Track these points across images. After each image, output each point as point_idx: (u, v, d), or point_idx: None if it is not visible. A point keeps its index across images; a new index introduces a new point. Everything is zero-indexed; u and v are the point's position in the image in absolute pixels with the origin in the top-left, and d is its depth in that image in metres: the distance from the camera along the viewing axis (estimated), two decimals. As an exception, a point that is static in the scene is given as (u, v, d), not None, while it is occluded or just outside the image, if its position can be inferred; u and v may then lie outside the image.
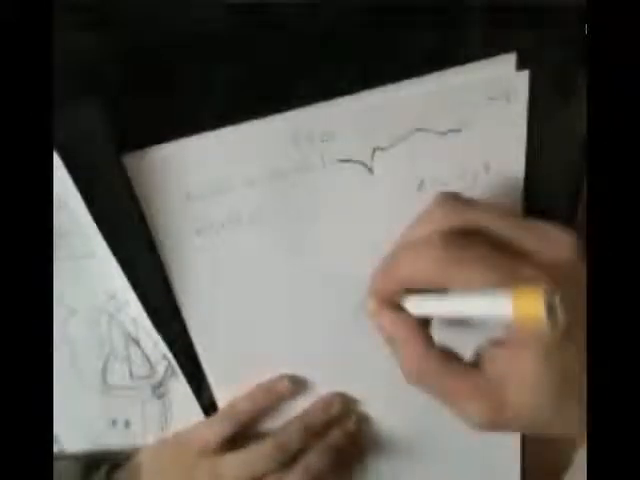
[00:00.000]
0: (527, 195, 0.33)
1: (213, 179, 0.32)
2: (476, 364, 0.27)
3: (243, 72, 0.30)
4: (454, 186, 0.33)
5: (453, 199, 0.28)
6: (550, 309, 0.23)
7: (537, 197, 0.34)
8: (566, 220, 0.34)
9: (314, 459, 0.37)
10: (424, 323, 0.29)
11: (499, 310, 0.24)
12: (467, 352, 0.28)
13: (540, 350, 0.25)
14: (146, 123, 0.29)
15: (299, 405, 0.38)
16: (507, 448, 0.41)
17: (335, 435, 0.38)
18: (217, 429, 0.36)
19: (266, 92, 0.30)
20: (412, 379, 0.28)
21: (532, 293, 0.23)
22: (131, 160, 0.30)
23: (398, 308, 0.28)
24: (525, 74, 0.30)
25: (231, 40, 0.29)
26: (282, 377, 0.37)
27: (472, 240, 0.26)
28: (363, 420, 0.39)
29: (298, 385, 0.37)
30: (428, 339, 0.28)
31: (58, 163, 0.29)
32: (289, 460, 0.36)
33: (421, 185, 0.33)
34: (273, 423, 0.38)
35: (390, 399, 0.38)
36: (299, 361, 0.37)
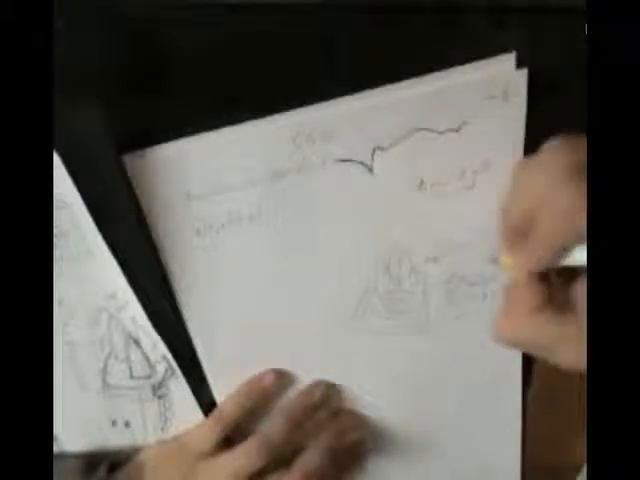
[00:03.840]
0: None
1: (213, 179, 0.32)
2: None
3: (243, 72, 0.30)
4: (454, 186, 0.33)
5: (566, 141, 0.27)
6: None
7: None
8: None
9: (311, 458, 0.36)
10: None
11: None
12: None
13: None
14: (146, 123, 0.29)
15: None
16: (507, 448, 0.41)
17: (332, 434, 0.38)
18: (208, 434, 0.36)
19: (266, 92, 0.30)
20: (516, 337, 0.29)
21: None
22: (131, 160, 0.30)
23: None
24: (524, 73, 0.30)
25: (231, 40, 0.29)
26: (267, 372, 0.36)
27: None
28: (361, 419, 0.39)
29: (284, 379, 0.37)
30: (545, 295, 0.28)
31: (58, 163, 0.29)
32: (284, 456, 0.36)
33: (421, 185, 0.33)
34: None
35: (390, 399, 0.38)
36: (299, 361, 0.37)
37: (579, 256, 0.27)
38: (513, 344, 0.30)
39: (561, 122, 0.32)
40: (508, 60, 0.30)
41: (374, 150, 0.32)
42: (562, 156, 0.27)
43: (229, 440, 0.37)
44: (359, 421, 0.39)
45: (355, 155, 0.32)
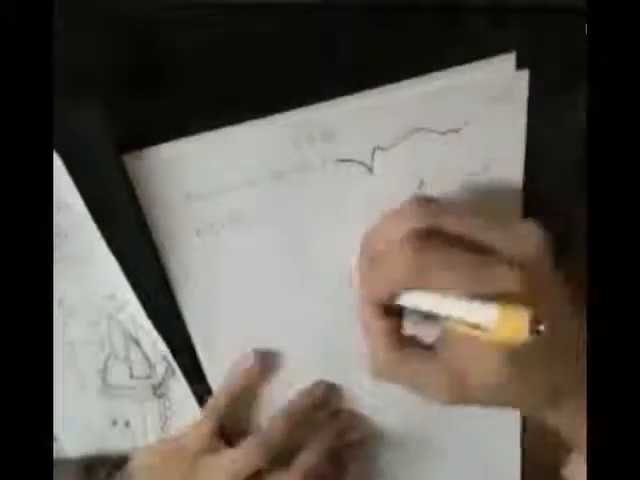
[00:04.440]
0: (527, 195, 0.33)
1: (213, 179, 0.32)
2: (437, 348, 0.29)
3: (243, 72, 0.30)
4: (454, 186, 0.33)
5: (422, 201, 0.28)
6: (533, 329, 0.24)
7: (537, 197, 0.34)
8: (566, 220, 0.34)
9: (311, 458, 0.36)
10: (397, 313, 0.30)
11: (484, 319, 0.25)
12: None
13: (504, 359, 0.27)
14: (146, 123, 0.29)
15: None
16: (507, 448, 0.41)
17: (331, 434, 0.38)
18: (203, 429, 0.36)
19: (266, 92, 0.30)
20: (379, 373, 0.30)
21: (518, 314, 0.24)
22: (131, 160, 0.30)
23: (383, 308, 0.29)
24: (525, 74, 0.30)
25: (231, 40, 0.29)
26: (247, 354, 0.36)
27: (440, 242, 0.27)
28: (361, 419, 0.39)
29: (268, 360, 0.37)
30: (397, 333, 0.29)
31: (58, 163, 0.29)
32: (283, 455, 0.36)
33: (421, 185, 0.33)
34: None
35: (390, 398, 0.38)
36: (299, 361, 0.37)
37: (415, 300, 0.28)
38: (384, 381, 0.31)
39: (561, 122, 0.32)
40: (508, 60, 0.30)
41: (374, 150, 0.32)
42: (407, 220, 0.28)
43: (227, 436, 0.37)
44: (359, 421, 0.39)
45: (355, 155, 0.32)
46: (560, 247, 0.35)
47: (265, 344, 0.36)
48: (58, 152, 0.29)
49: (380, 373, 0.30)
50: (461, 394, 0.29)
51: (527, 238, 0.27)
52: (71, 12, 0.27)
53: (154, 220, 0.32)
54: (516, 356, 0.27)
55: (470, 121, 0.31)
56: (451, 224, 0.27)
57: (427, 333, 0.30)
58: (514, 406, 0.31)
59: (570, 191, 0.34)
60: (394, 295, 0.28)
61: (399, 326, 0.30)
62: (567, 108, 0.31)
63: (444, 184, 0.33)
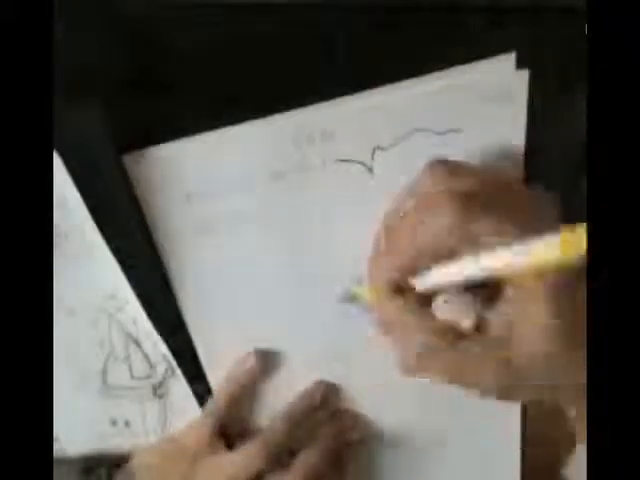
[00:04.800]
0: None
1: (213, 179, 0.32)
2: (477, 329, 0.27)
3: (243, 72, 0.30)
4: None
5: (442, 165, 0.27)
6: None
7: (537, 197, 0.34)
8: (565, 220, 0.34)
9: (311, 459, 0.36)
10: (425, 302, 0.28)
11: (545, 253, 0.23)
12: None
13: (552, 297, 0.25)
14: (146, 123, 0.29)
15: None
16: (507, 448, 0.41)
17: (331, 434, 0.38)
18: (203, 429, 0.36)
19: (266, 92, 0.30)
20: (411, 369, 0.28)
21: (578, 231, 0.22)
22: (131, 160, 0.30)
23: (401, 294, 0.28)
24: (525, 74, 0.30)
25: (231, 40, 0.29)
26: (249, 354, 0.36)
27: (476, 198, 0.25)
28: (361, 419, 0.39)
29: (268, 360, 0.37)
30: (429, 323, 0.27)
31: (58, 163, 0.29)
32: (284, 456, 0.36)
33: (421, 185, 0.33)
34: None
35: (390, 398, 0.38)
36: (299, 361, 0.37)
37: (435, 278, 0.26)
38: (417, 377, 0.28)
39: (561, 122, 0.32)
40: (508, 60, 0.30)
41: (374, 150, 0.32)
42: (432, 182, 0.27)
43: (227, 436, 0.37)
44: (359, 421, 0.39)
45: (355, 155, 0.32)
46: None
47: (265, 344, 0.36)
48: (58, 152, 0.29)
49: (413, 368, 0.28)
50: (510, 375, 0.26)
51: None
52: (71, 12, 0.27)
53: (154, 220, 0.32)
54: (564, 313, 0.25)
55: (470, 121, 0.31)
56: (471, 185, 0.26)
57: (460, 318, 0.28)
58: (565, 382, 0.27)
59: (570, 191, 0.34)
60: (428, 261, 0.26)
61: (431, 315, 0.28)
62: (567, 108, 0.31)
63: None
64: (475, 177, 0.27)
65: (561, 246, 0.22)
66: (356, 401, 0.39)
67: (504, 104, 0.31)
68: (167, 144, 0.30)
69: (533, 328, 0.25)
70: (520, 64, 0.30)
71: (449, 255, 0.26)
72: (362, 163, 0.32)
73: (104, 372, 0.37)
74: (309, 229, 0.34)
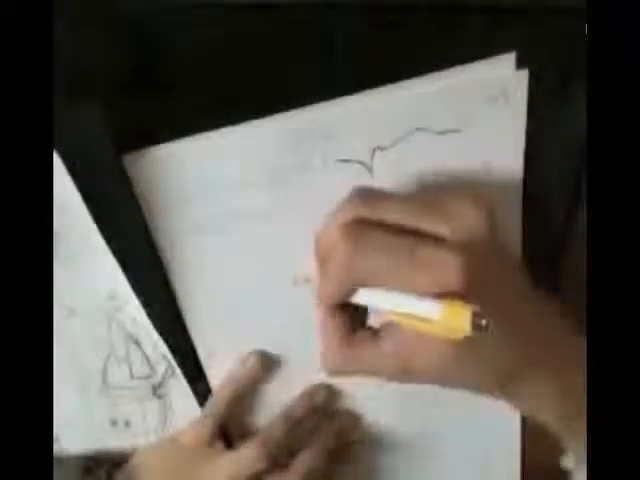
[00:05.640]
0: (527, 195, 0.33)
1: (213, 179, 0.32)
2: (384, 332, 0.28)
3: (243, 72, 0.30)
4: (454, 186, 0.33)
5: (362, 192, 0.27)
6: (475, 324, 0.24)
7: (537, 197, 0.34)
8: (566, 220, 0.34)
9: (310, 459, 0.36)
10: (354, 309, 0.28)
11: (428, 314, 0.25)
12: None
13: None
14: (146, 123, 0.29)
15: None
16: (507, 448, 0.41)
17: (330, 435, 0.38)
18: (203, 430, 0.36)
19: (266, 92, 0.30)
20: (333, 371, 0.29)
21: (460, 310, 0.24)
22: (131, 160, 0.30)
23: (337, 307, 0.28)
24: (524, 74, 0.30)
25: (231, 40, 0.29)
26: (249, 354, 0.36)
27: (370, 229, 0.26)
28: (360, 420, 0.39)
29: (268, 360, 0.37)
30: (347, 329, 0.28)
31: (58, 163, 0.29)
32: (283, 456, 0.36)
33: (421, 185, 0.33)
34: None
35: (390, 398, 0.38)
36: (299, 361, 0.37)
37: (364, 297, 0.27)
38: (339, 375, 0.29)
39: (561, 123, 0.32)
40: (508, 60, 0.30)
41: (374, 150, 0.32)
42: (347, 213, 0.27)
43: (227, 436, 0.37)
44: (358, 421, 0.39)
45: (355, 155, 0.32)
46: (560, 246, 0.35)
47: (265, 344, 0.36)
48: (58, 152, 0.29)
49: (334, 371, 0.29)
50: (408, 377, 0.28)
51: (464, 219, 0.26)
52: (71, 12, 0.27)
53: (154, 220, 0.32)
54: (462, 340, 0.25)
55: (470, 121, 0.31)
56: (390, 212, 0.26)
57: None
58: (463, 388, 0.29)
59: (570, 191, 0.34)
60: (345, 294, 0.27)
61: (351, 323, 0.28)
62: (567, 108, 0.31)
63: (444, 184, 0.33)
64: (394, 209, 0.26)
65: (439, 320, 0.24)
66: (356, 401, 0.39)
67: (504, 104, 0.31)
68: (167, 144, 0.30)
69: (430, 350, 0.26)
70: (520, 64, 0.30)
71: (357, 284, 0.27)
72: (362, 163, 0.32)
73: (104, 372, 0.37)
74: (309, 229, 0.33)
